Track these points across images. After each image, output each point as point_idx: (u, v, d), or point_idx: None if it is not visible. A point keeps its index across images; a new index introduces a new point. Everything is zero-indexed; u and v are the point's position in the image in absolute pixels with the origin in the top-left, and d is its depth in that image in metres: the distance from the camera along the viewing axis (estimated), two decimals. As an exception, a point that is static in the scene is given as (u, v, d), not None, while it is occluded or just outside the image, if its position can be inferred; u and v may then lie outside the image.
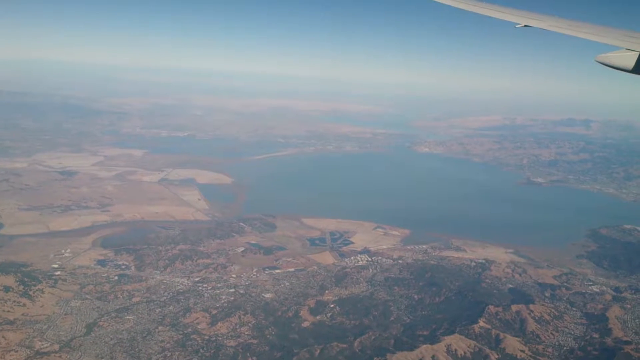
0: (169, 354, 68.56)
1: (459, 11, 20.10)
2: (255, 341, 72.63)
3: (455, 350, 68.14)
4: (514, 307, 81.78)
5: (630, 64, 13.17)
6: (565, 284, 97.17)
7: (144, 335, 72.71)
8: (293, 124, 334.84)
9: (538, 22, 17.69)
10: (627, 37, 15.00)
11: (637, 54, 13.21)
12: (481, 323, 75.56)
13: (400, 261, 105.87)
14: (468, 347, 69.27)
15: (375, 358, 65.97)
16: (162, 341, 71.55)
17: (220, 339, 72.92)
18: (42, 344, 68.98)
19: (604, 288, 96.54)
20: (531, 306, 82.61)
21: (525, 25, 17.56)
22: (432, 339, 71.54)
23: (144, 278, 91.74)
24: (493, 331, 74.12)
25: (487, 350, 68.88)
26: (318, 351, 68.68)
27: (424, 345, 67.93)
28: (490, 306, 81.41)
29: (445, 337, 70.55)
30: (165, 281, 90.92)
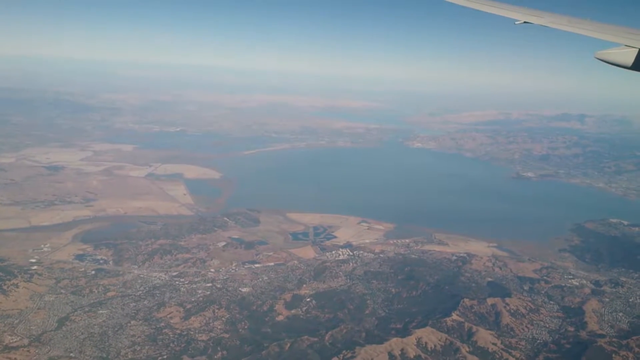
0: (138, 349, 68.26)
1: (459, 7, 20.09)
2: (227, 335, 72.35)
3: (426, 343, 67.86)
4: (490, 301, 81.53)
5: (629, 60, 13.22)
6: (545, 277, 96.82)
7: (116, 329, 72.34)
8: (287, 120, 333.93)
9: (538, 18, 17.73)
10: (626, 34, 14.98)
11: (636, 50, 13.22)
12: (454, 316, 75.30)
13: (382, 255, 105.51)
14: (439, 340, 68.96)
15: (344, 351, 65.67)
16: (133, 335, 71.20)
17: (192, 333, 72.60)
18: (12, 339, 68.66)
19: (584, 282, 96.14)
20: (507, 299, 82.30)
21: (525, 22, 17.60)
22: (404, 332, 71.27)
23: (121, 272, 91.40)
24: (466, 324, 73.87)
25: (458, 343, 68.60)
26: (288, 345, 68.41)
27: (394, 339, 67.64)
28: (465, 299, 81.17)
29: (417, 330, 70.25)
30: (142, 276, 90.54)
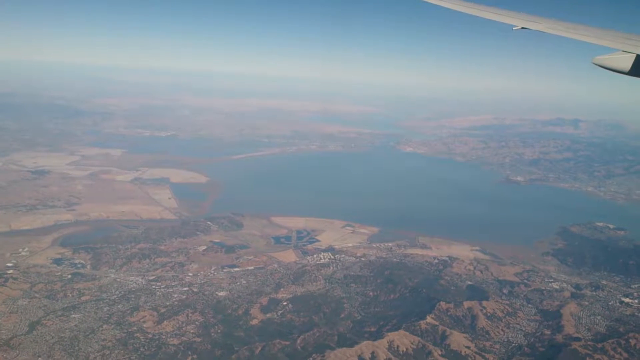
0: (107, 352, 67.37)
1: (458, 14, 20.09)
2: (199, 339, 71.55)
3: (397, 346, 67.21)
4: (466, 304, 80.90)
5: (627, 66, 13.23)
6: (525, 280, 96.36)
7: (87, 333, 71.45)
8: (280, 124, 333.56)
9: (536, 24, 17.75)
10: (624, 40, 14.99)
11: (634, 56, 13.21)
12: (429, 319, 74.72)
13: (363, 259, 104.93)
14: (411, 343, 68.33)
15: (314, 354, 65.04)
16: (103, 340, 70.30)
17: (163, 337, 71.74)
18: (-20, 343, 67.79)
19: (565, 285, 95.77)
20: (484, 302, 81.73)
21: (522, 28, 17.59)
22: (378, 336, 70.56)
23: (97, 277, 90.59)
24: (440, 327, 73.28)
25: (431, 347, 67.95)
26: (259, 349, 67.74)
27: (365, 342, 67.00)
28: (441, 302, 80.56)
29: (389, 334, 69.60)
30: (118, 280, 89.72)
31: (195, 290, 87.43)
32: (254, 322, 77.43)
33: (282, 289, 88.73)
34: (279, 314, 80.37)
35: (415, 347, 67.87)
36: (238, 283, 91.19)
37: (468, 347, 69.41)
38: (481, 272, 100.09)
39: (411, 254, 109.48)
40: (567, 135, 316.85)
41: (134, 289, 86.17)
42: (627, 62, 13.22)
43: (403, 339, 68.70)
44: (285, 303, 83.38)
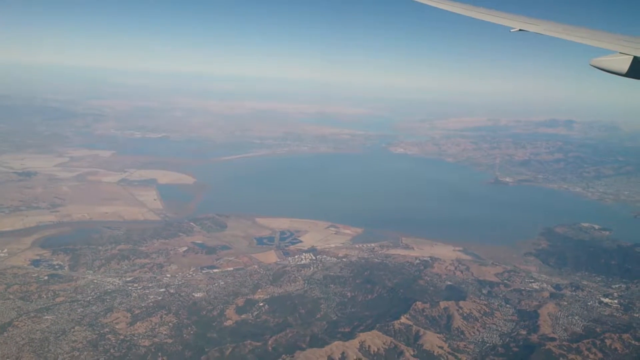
0: (77, 354, 66.77)
1: (456, 15, 20.10)
2: (170, 341, 71.00)
3: (369, 346, 66.78)
4: (442, 304, 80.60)
5: (624, 67, 13.34)
6: (505, 281, 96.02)
7: (58, 335, 70.84)
8: (273, 126, 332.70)
9: (533, 26, 17.83)
10: (621, 41, 15.05)
11: (631, 57, 13.25)
12: (403, 319, 74.33)
13: (345, 259, 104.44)
14: (383, 343, 67.91)
15: (283, 355, 64.56)
16: (74, 341, 69.70)
17: (135, 338, 71.17)
18: (-51, 345, 67.15)
19: (545, 285, 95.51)
20: (461, 302, 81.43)
21: (520, 30, 17.63)
22: (350, 336, 70.12)
23: (74, 278, 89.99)
24: (414, 327, 72.90)
25: (403, 347, 67.54)
26: (230, 350, 67.24)
27: (335, 342, 66.55)
28: (417, 302, 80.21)
29: (361, 334, 69.19)
30: (95, 281, 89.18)
31: (171, 291, 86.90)
32: (228, 323, 76.95)
33: (259, 290, 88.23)
34: (254, 315, 79.85)
35: (387, 347, 67.46)
36: (216, 284, 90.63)
37: (441, 347, 69.00)
38: (462, 272, 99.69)
39: (393, 254, 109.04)
40: (559, 137, 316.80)
41: (109, 290, 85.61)
42: (624, 64, 13.26)
43: (375, 339, 68.28)
44: (261, 304, 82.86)
